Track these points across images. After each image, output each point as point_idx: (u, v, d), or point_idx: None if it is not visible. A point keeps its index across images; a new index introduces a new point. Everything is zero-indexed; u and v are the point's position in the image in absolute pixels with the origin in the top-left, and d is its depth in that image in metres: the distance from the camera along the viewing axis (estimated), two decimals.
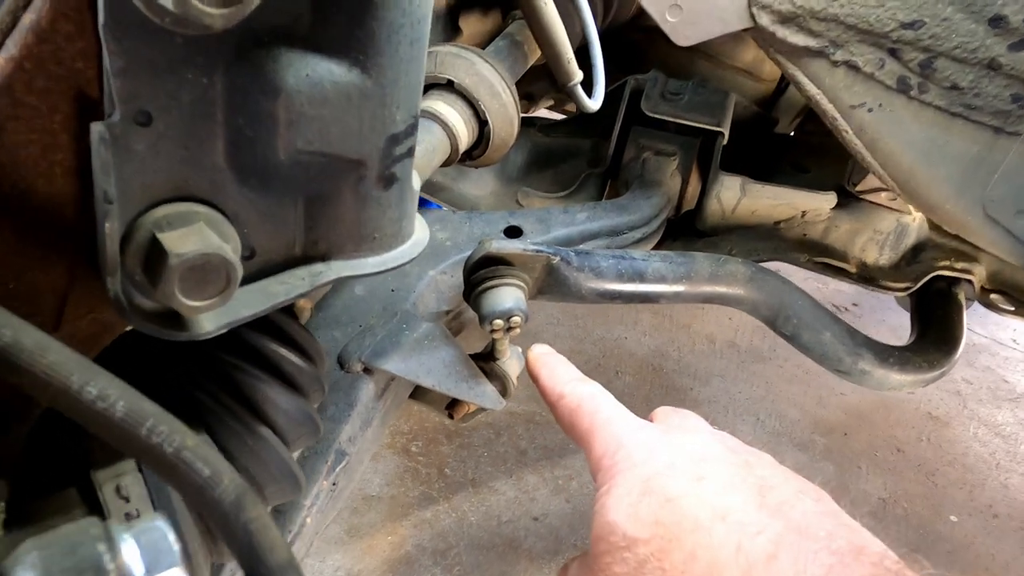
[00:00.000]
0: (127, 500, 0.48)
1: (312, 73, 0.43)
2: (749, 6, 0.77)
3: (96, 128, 0.38)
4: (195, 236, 0.41)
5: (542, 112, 1.74)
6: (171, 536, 0.25)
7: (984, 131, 0.77)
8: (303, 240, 0.50)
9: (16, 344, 0.30)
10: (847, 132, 0.83)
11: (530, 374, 0.69)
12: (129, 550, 0.24)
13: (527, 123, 1.33)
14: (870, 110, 0.80)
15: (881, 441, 2.20)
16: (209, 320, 0.45)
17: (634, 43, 1.38)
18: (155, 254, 0.40)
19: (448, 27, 1.10)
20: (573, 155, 1.25)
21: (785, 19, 0.77)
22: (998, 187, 0.79)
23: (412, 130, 0.50)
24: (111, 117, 0.38)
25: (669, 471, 0.46)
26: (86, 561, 0.24)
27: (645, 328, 2.54)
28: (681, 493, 0.44)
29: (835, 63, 0.79)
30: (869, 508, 1.93)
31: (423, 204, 1.37)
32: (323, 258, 0.52)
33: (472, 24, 1.12)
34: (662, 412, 0.57)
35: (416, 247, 0.58)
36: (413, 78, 0.48)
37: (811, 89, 0.82)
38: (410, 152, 0.51)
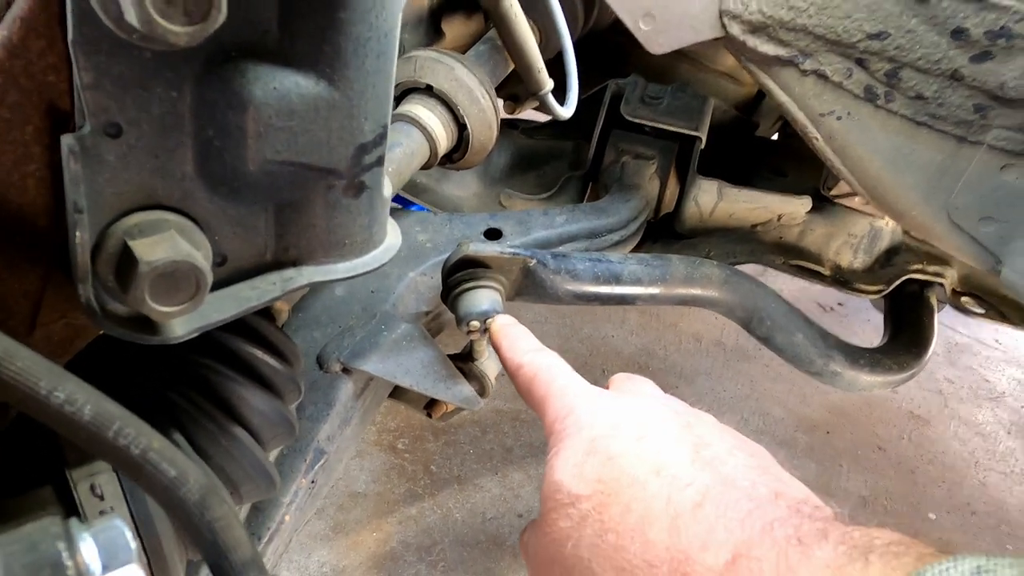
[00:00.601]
0: (101, 498, 0.49)
1: (280, 86, 0.44)
2: (720, 16, 0.78)
3: (66, 140, 0.39)
4: (165, 243, 0.43)
5: (529, 113, 1.75)
6: (128, 534, 0.27)
7: (948, 140, 0.79)
8: (274, 246, 0.52)
9: None
10: (817, 139, 0.85)
11: (492, 344, 0.71)
12: (87, 548, 0.26)
13: (510, 125, 1.35)
14: (839, 118, 0.82)
15: (863, 439, 2.23)
16: (180, 324, 0.47)
17: (618, 45, 1.39)
18: (126, 261, 0.42)
19: (431, 30, 1.11)
20: (555, 157, 1.26)
21: (755, 29, 0.79)
22: (962, 195, 0.81)
23: (381, 139, 0.52)
24: (81, 129, 0.40)
25: (613, 432, 0.49)
26: (46, 558, 0.25)
27: (632, 326, 2.56)
28: (622, 452, 0.47)
29: (804, 72, 0.81)
30: (850, 506, 1.96)
31: (406, 205, 1.38)
32: (294, 263, 0.53)
33: (455, 27, 1.13)
34: (618, 379, 0.61)
35: (388, 252, 0.59)
36: (381, 89, 0.50)
37: (782, 97, 0.83)
38: (379, 161, 0.53)
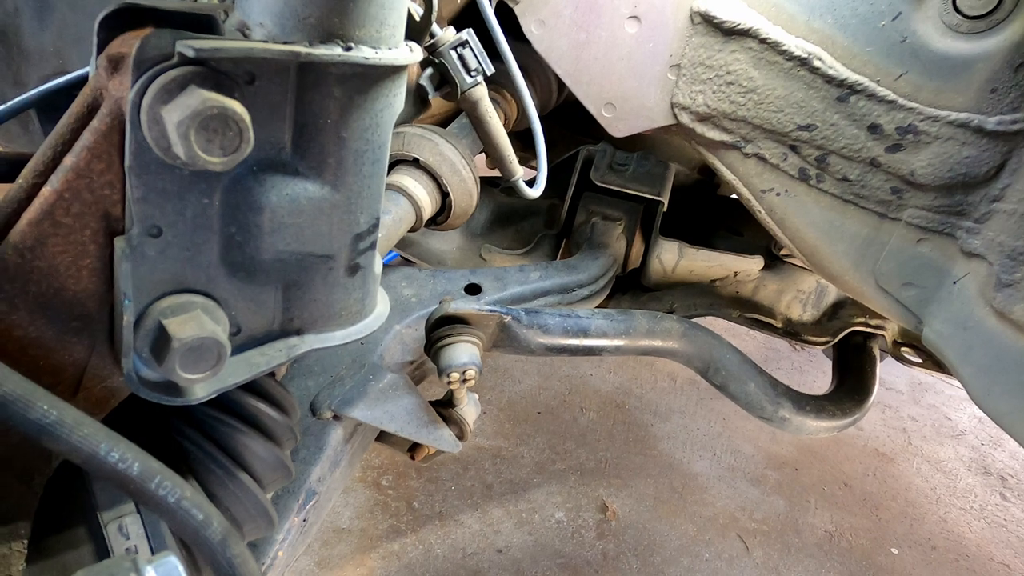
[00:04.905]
0: (127, 537, 0.57)
1: (291, 192, 0.54)
2: (672, 107, 0.89)
3: (119, 243, 0.48)
4: (193, 322, 0.52)
5: None
6: (180, 568, 0.35)
7: (872, 216, 0.90)
8: (281, 318, 0.60)
9: (60, 421, 0.40)
10: (760, 212, 0.96)
11: None
12: None
13: (491, 183, 1.45)
14: (778, 194, 0.93)
15: (830, 476, 2.32)
16: (201, 388, 0.55)
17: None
18: (161, 337, 0.50)
19: (418, 101, 1.22)
20: (532, 214, 1.36)
21: (702, 118, 0.90)
22: (886, 263, 0.91)
23: (374, 228, 0.61)
24: (130, 231, 0.49)
25: None
26: None
27: (610, 366, 2.65)
28: None
29: (746, 155, 0.91)
30: (816, 541, 2.04)
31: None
32: (298, 332, 0.62)
33: (439, 99, 1.24)
34: None
35: (378, 320, 0.68)
36: (375, 188, 0.59)
37: (728, 175, 0.94)
38: (372, 245, 0.62)
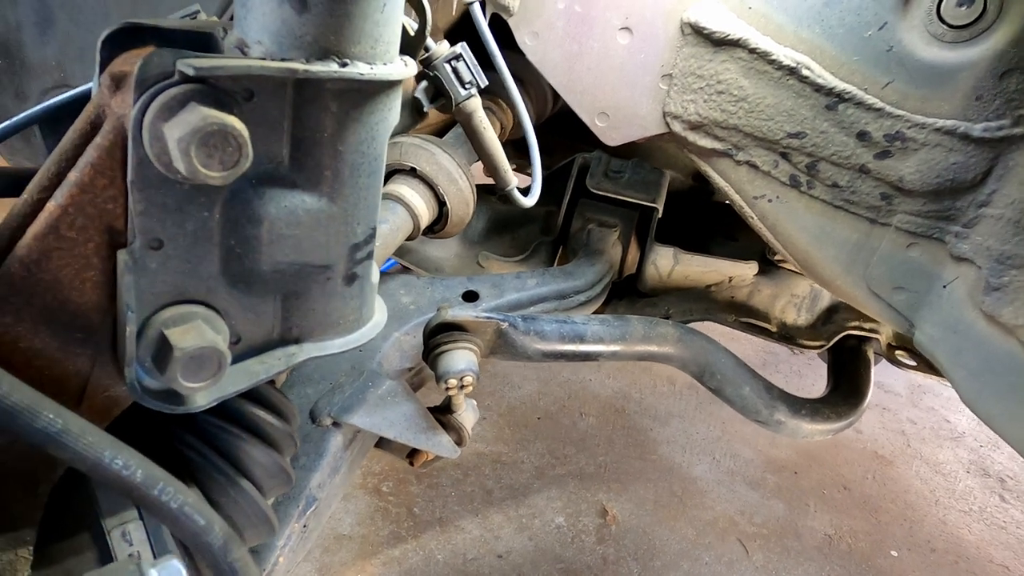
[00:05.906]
0: (130, 543, 0.58)
1: (289, 204, 0.55)
2: (664, 116, 0.91)
3: (122, 256, 0.49)
4: (194, 332, 0.53)
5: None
6: (184, 571, 0.36)
7: (862, 221, 0.91)
8: (280, 328, 0.62)
9: (66, 429, 0.41)
10: (752, 218, 0.97)
11: None
12: None
13: (488, 191, 1.47)
14: (769, 201, 0.95)
15: (829, 479, 2.33)
16: (202, 396, 0.57)
17: None
18: (163, 347, 0.52)
19: (415, 111, 1.23)
20: (529, 222, 1.38)
21: (694, 127, 0.91)
22: (877, 267, 0.92)
23: (371, 238, 0.63)
24: (132, 244, 0.50)
25: None
26: None
27: (609, 371, 2.66)
28: None
29: (738, 162, 0.93)
30: (815, 544, 2.05)
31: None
32: (296, 341, 0.63)
33: (435, 110, 1.26)
34: None
35: (375, 328, 0.69)
36: (371, 200, 0.61)
37: (720, 182, 0.96)
38: (369, 255, 0.64)
